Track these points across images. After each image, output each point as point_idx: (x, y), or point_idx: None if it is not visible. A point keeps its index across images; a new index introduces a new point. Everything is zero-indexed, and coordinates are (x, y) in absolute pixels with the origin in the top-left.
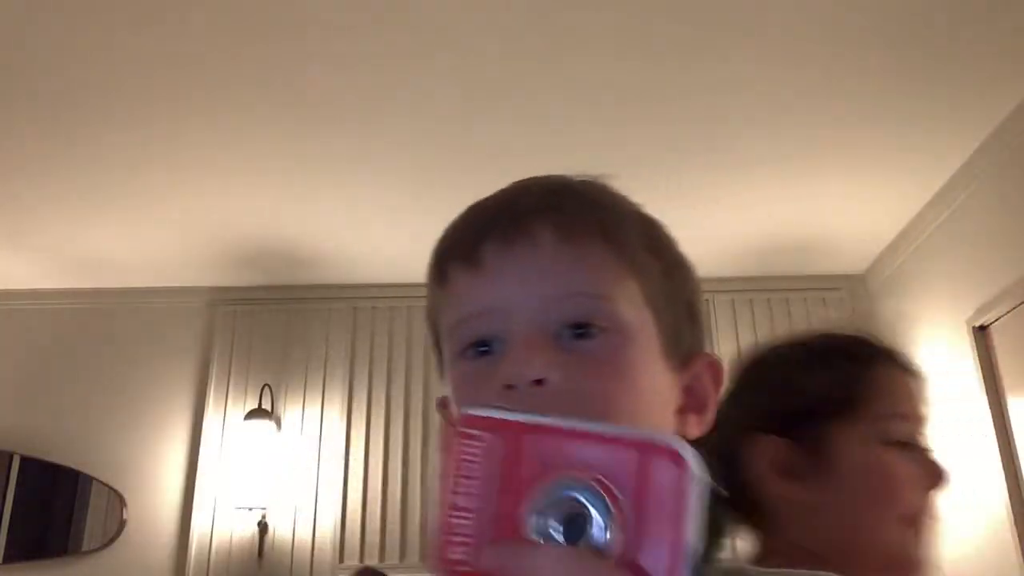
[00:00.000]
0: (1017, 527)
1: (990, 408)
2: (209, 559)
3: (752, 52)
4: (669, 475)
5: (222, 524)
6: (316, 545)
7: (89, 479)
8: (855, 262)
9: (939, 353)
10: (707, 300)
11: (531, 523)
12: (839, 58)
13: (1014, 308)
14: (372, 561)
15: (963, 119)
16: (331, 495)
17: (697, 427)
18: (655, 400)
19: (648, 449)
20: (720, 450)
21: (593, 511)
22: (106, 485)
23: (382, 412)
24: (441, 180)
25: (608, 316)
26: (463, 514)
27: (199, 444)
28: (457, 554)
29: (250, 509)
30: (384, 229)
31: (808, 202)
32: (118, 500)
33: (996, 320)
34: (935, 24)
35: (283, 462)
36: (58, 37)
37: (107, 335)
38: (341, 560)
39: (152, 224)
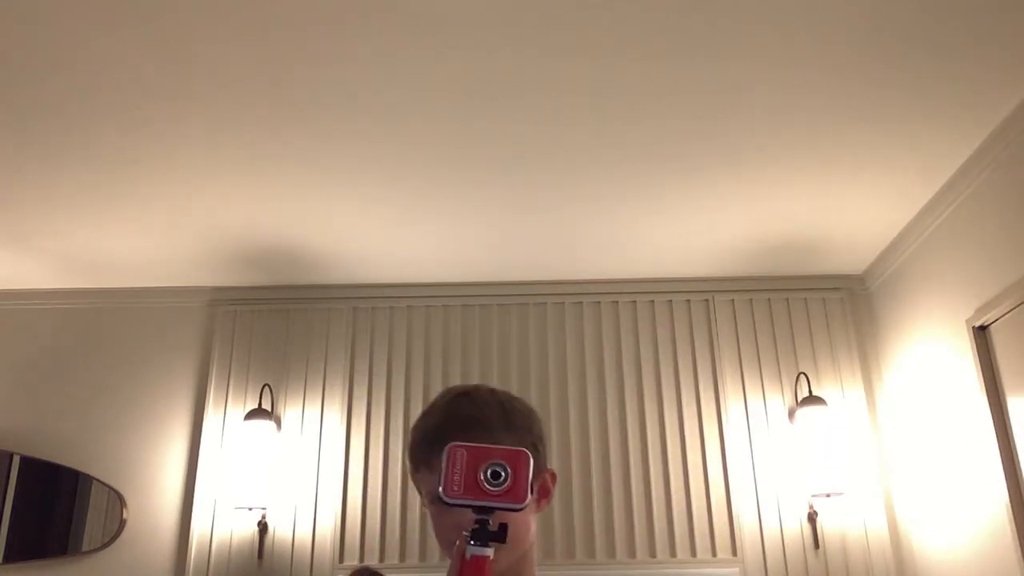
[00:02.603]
0: (1017, 527)
1: (990, 408)
2: (209, 559)
3: (752, 53)
4: (525, 459)
5: (222, 524)
6: (316, 545)
7: (89, 479)
8: (855, 262)
9: (939, 353)
10: (707, 300)
11: (482, 476)
12: (838, 58)
13: (1014, 308)
14: (372, 561)
15: (963, 119)
16: (331, 495)
17: (543, 505)
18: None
19: (518, 452)
20: None
21: (502, 470)
22: (106, 485)
23: (382, 412)
24: (442, 180)
25: None
26: (456, 474)
27: (199, 444)
28: (455, 489)
29: (250, 509)
30: (385, 229)
31: (808, 202)
32: (118, 500)
33: (996, 320)
34: (935, 24)
35: (283, 462)
36: (58, 39)
37: (107, 335)
38: (341, 560)
39: (152, 224)
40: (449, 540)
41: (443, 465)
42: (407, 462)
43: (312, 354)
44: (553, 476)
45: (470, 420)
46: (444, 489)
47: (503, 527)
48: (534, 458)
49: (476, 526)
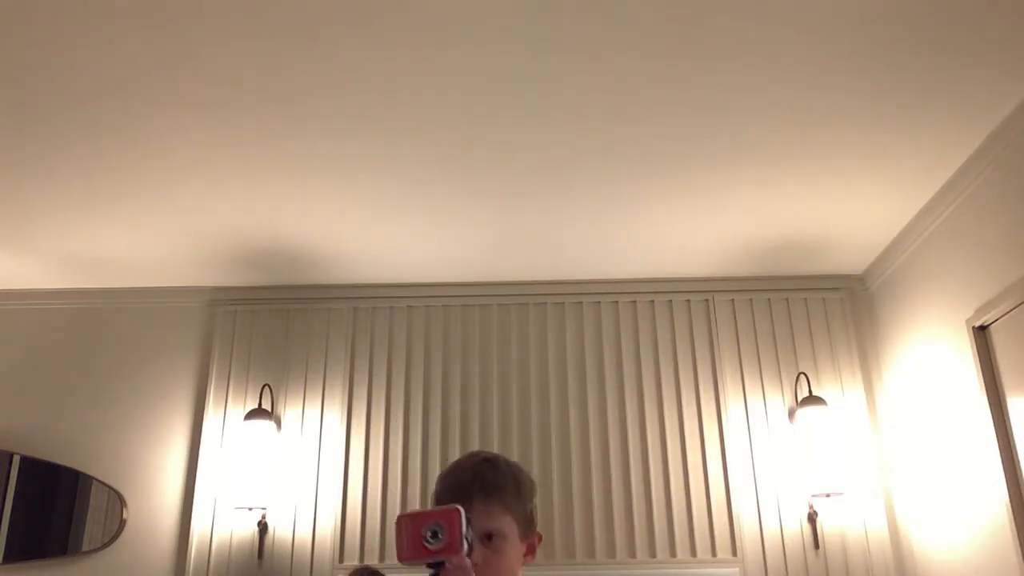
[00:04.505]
0: (1017, 527)
1: (990, 408)
2: (209, 559)
3: (752, 53)
4: (457, 516)
5: (222, 524)
6: (316, 545)
7: (89, 479)
8: (855, 262)
9: (939, 353)
10: (707, 300)
11: (425, 535)
12: (838, 59)
13: (1014, 308)
14: (372, 561)
15: (963, 119)
16: (331, 495)
17: (529, 560)
18: (515, 555)
19: (451, 511)
20: None
21: (439, 530)
22: (106, 485)
23: (382, 412)
24: (441, 180)
25: (499, 532)
26: (404, 538)
27: (199, 444)
28: (404, 552)
29: (250, 509)
30: (384, 229)
31: (808, 202)
32: (118, 500)
33: (996, 320)
34: (935, 24)
35: (283, 462)
36: (59, 40)
37: (107, 335)
38: (341, 560)
39: (152, 224)
40: None
41: (396, 534)
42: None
43: (312, 354)
44: (540, 537)
45: (492, 484)
46: (397, 554)
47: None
48: (529, 522)
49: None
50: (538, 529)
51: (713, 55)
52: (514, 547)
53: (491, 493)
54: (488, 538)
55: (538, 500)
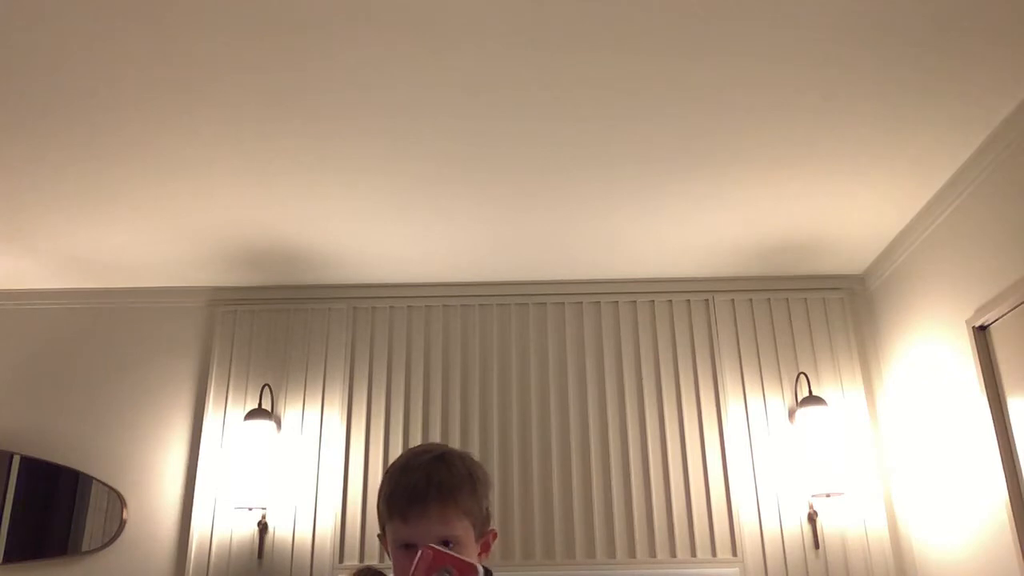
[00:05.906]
0: (1017, 527)
1: (990, 408)
2: (209, 559)
3: (752, 52)
4: (472, 571)
5: (222, 524)
6: (316, 545)
7: (89, 479)
8: (855, 262)
9: (939, 353)
10: (707, 300)
11: None
12: (839, 58)
13: (1014, 308)
14: (372, 561)
15: (963, 119)
16: (331, 495)
17: (484, 557)
18: (470, 556)
19: (470, 565)
20: None
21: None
22: (106, 485)
23: (382, 412)
24: (442, 180)
25: (455, 539)
26: (420, 570)
27: (199, 444)
28: None
29: (250, 509)
30: (384, 229)
31: (808, 202)
32: (118, 500)
33: (996, 320)
34: (935, 24)
35: (283, 462)
36: (57, 37)
37: (107, 335)
38: (341, 560)
39: (152, 224)
40: None
41: (416, 558)
42: (381, 507)
43: (312, 354)
44: (495, 534)
45: (448, 488)
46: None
47: None
48: (484, 522)
49: None
50: (493, 526)
51: (713, 55)
52: (469, 551)
53: (447, 498)
54: (444, 545)
55: (493, 496)
